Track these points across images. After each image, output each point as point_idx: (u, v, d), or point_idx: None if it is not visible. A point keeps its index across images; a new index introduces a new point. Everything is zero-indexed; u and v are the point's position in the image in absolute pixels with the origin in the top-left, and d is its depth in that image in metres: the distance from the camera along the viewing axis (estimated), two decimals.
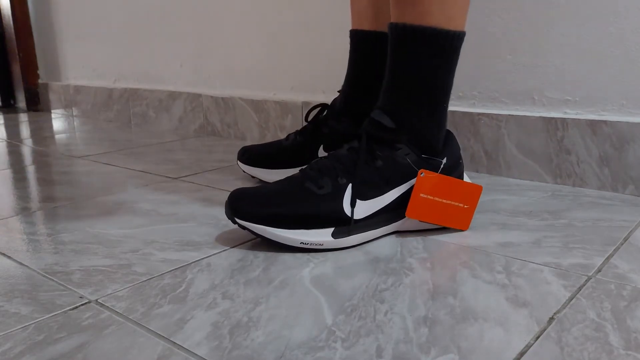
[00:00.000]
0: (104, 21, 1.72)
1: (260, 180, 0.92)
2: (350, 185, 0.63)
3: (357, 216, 0.62)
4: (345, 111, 0.88)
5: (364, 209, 0.63)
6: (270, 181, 0.89)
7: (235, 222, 0.62)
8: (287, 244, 0.62)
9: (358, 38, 0.87)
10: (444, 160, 0.66)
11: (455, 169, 0.68)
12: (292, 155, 0.90)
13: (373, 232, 0.65)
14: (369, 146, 0.65)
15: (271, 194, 0.63)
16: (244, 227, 0.62)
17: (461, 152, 0.72)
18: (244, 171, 0.93)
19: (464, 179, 0.71)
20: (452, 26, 0.63)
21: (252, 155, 0.92)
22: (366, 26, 0.85)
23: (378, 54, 0.85)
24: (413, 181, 0.65)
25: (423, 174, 0.64)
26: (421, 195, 0.65)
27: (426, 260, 0.59)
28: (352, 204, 0.62)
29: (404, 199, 0.65)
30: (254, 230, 0.62)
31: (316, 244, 0.62)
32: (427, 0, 0.62)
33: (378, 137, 0.65)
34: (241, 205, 0.62)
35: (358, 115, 0.86)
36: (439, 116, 0.66)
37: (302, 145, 0.90)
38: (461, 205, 0.67)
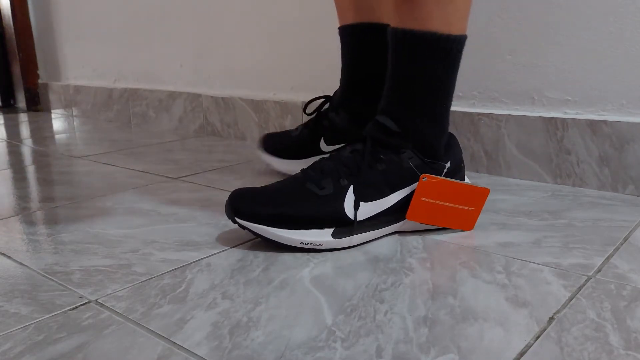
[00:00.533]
0: (104, 21, 1.72)
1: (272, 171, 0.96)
2: (352, 187, 0.63)
3: (358, 218, 0.63)
4: (342, 104, 0.89)
5: (366, 210, 0.63)
6: (282, 170, 0.92)
7: (235, 222, 0.62)
8: (287, 244, 0.62)
9: (343, 33, 0.89)
10: (448, 164, 0.67)
11: (457, 173, 0.68)
12: (298, 147, 0.92)
13: (373, 233, 0.65)
14: (373, 149, 0.65)
15: (272, 194, 0.64)
16: (244, 227, 0.62)
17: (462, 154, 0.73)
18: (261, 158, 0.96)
19: (465, 182, 0.71)
20: (452, 30, 0.63)
21: (272, 144, 0.95)
22: (349, 20, 0.86)
23: (362, 45, 0.86)
24: (415, 185, 0.65)
25: (425, 178, 0.64)
26: (422, 199, 0.65)
27: (426, 260, 0.59)
28: (356, 207, 0.62)
29: (405, 202, 0.65)
30: (254, 230, 0.62)
31: (316, 244, 0.62)
32: (427, 5, 0.62)
33: (382, 140, 0.65)
34: (241, 205, 0.62)
35: (354, 109, 0.88)
36: (442, 120, 0.66)
37: (307, 138, 0.92)
38: (465, 208, 0.67)
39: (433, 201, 0.65)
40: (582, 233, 0.66)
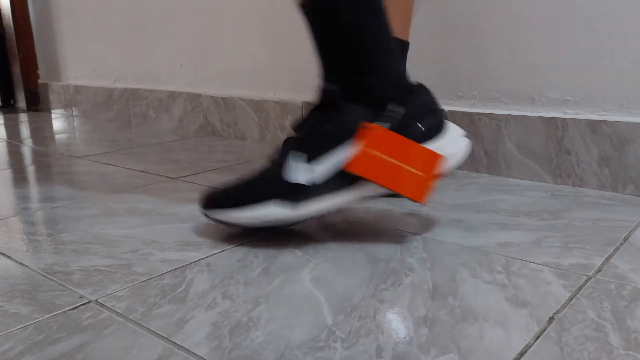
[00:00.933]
0: (104, 21, 1.72)
1: None
2: (299, 153, 0.64)
3: (312, 181, 0.63)
4: None
5: (319, 172, 0.63)
6: None
7: (207, 216, 0.67)
8: (251, 224, 0.64)
9: None
10: (402, 110, 0.63)
11: (424, 117, 0.64)
12: None
13: (332, 199, 0.63)
14: (317, 112, 0.66)
15: (236, 183, 0.67)
16: (212, 219, 0.66)
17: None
18: None
19: (449, 129, 0.64)
20: None
21: None
22: None
23: None
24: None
25: (367, 127, 0.61)
26: (367, 150, 0.60)
27: (426, 260, 0.59)
28: (306, 169, 0.63)
29: None
30: (218, 218, 0.66)
31: (279, 220, 0.63)
32: None
33: (325, 103, 0.65)
34: (209, 198, 0.67)
35: None
36: (379, 66, 0.64)
37: None
38: (415, 171, 0.60)
39: (380, 155, 0.60)
40: (582, 233, 0.66)
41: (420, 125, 0.63)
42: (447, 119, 0.67)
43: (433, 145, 0.63)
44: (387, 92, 0.64)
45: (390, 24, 0.65)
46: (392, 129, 0.62)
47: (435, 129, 0.64)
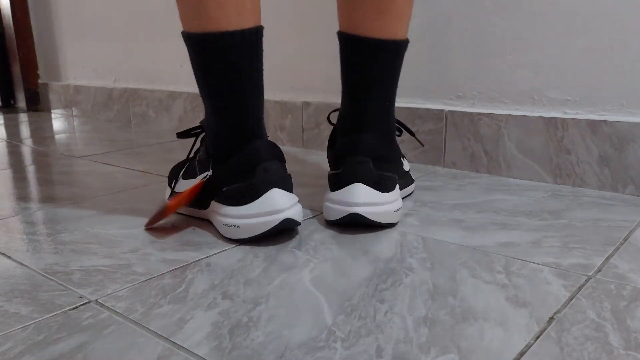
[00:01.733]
0: (103, 21, 1.72)
1: None
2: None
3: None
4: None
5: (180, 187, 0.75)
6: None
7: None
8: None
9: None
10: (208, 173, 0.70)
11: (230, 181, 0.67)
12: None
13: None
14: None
15: None
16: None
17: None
18: None
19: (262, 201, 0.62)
20: (187, 28, 0.71)
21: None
22: (339, 26, 0.86)
23: (343, 54, 0.85)
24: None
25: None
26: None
27: (426, 260, 0.59)
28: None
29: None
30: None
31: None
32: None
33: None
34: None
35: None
36: (216, 118, 0.69)
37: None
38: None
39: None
40: (582, 233, 0.66)
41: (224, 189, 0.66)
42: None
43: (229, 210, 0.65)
44: (215, 151, 0.69)
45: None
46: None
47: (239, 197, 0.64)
